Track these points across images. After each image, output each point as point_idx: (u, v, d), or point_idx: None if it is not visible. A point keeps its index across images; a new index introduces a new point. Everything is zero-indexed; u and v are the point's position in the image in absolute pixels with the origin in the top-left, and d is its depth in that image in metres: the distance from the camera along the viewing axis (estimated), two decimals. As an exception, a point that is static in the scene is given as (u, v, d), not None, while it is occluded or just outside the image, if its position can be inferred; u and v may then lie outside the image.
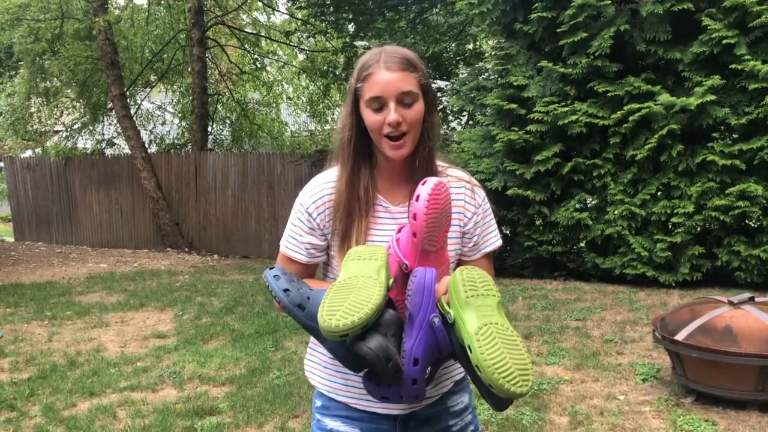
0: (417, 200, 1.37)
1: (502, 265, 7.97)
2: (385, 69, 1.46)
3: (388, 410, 1.56)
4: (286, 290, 1.39)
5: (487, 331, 1.26)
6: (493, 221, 1.66)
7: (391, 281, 1.36)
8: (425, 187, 1.37)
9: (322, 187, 1.58)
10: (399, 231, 1.47)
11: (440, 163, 1.60)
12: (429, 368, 1.37)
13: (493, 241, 1.65)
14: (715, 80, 6.48)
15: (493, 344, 1.24)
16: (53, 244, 13.63)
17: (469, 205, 1.60)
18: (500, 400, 1.34)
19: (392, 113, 1.45)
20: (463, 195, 1.59)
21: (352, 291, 1.29)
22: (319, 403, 1.65)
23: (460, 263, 1.63)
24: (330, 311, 1.25)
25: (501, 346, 1.24)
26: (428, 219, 1.36)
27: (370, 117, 1.48)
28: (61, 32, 13.01)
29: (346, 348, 1.33)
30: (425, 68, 1.53)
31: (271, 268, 1.46)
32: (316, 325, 1.33)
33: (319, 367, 1.65)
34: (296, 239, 1.59)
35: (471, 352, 1.25)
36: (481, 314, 1.29)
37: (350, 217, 1.53)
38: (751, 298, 3.89)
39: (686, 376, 3.86)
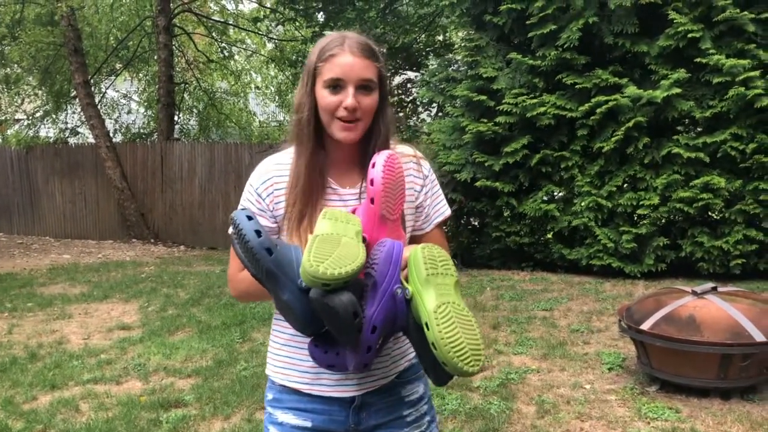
0: (373, 167, 1.41)
1: (470, 256, 8.01)
2: (349, 53, 1.44)
3: (341, 393, 1.54)
4: (257, 231, 1.36)
5: (444, 309, 1.28)
6: (441, 191, 1.67)
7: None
8: (380, 156, 1.42)
9: (273, 168, 1.56)
10: (353, 212, 1.47)
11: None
12: (381, 339, 1.39)
13: (443, 210, 1.66)
14: (681, 74, 6.57)
15: (450, 323, 1.27)
16: (14, 235, 13.30)
17: (417, 179, 1.60)
18: (443, 376, 1.37)
19: (350, 98, 1.43)
20: (411, 170, 1.58)
21: (338, 246, 1.30)
22: (270, 396, 1.63)
23: (413, 239, 1.63)
24: (318, 258, 1.26)
25: (457, 325, 1.27)
26: (386, 182, 1.39)
27: (325, 98, 1.46)
28: (21, 17, 12.67)
29: (305, 303, 1.33)
30: (384, 61, 1.53)
31: (242, 209, 1.43)
32: (280, 273, 1.34)
33: (273, 356, 1.63)
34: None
35: (428, 329, 1.27)
36: (440, 293, 1.31)
37: (306, 199, 1.50)
38: (714, 288, 3.96)
39: (651, 365, 3.91)
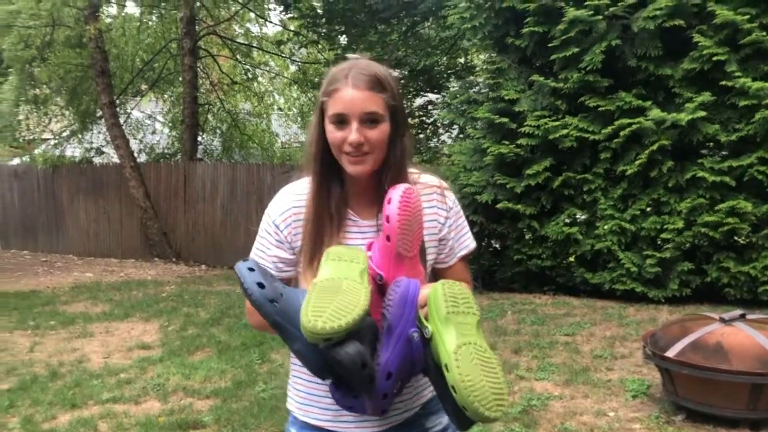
0: (389, 203, 1.36)
1: (491, 279, 7.94)
2: (351, 86, 1.40)
3: (364, 429, 1.51)
4: (259, 284, 1.33)
5: (466, 351, 1.23)
6: (465, 223, 1.62)
7: (370, 287, 1.32)
8: (396, 191, 1.37)
9: (291, 199, 1.53)
10: (369, 248, 1.43)
11: (411, 170, 1.55)
12: (399, 383, 1.34)
13: (468, 243, 1.61)
14: (706, 96, 6.50)
15: (471, 366, 1.21)
16: (38, 253, 13.48)
17: (442, 210, 1.55)
18: (465, 420, 1.30)
19: (354, 133, 1.39)
20: (435, 201, 1.54)
21: (338, 293, 1.24)
22: (293, 431, 1.60)
23: (435, 271, 1.59)
24: (316, 312, 1.20)
25: (478, 368, 1.21)
26: (401, 219, 1.34)
27: (332, 133, 1.43)
28: (51, 39, 12.91)
29: (317, 351, 1.28)
30: (396, 89, 1.47)
31: (245, 260, 1.40)
32: (287, 324, 1.30)
33: (295, 392, 1.61)
34: (264, 252, 1.54)
35: (448, 371, 1.22)
36: (461, 333, 1.25)
37: (320, 234, 1.47)
38: (743, 315, 3.87)
39: (677, 393, 3.82)
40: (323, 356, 1.28)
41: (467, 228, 1.62)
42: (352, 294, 1.25)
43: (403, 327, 1.28)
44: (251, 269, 1.36)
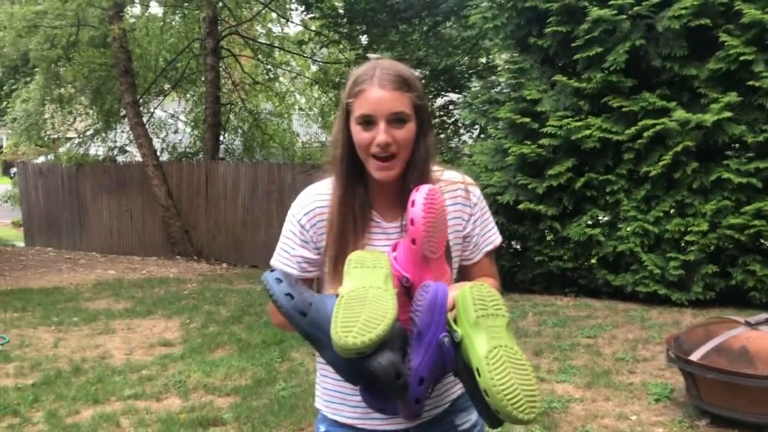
0: (413, 205, 1.35)
1: (512, 280, 7.89)
2: (378, 87, 1.40)
3: (393, 426, 1.50)
4: (288, 294, 1.33)
5: (497, 354, 1.23)
6: (491, 218, 1.61)
7: (396, 291, 1.32)
8: (420, 193, 1.35)
9: (314, 199, 1.53)
10: (394, 249, 1.42)
11: (434, 168, 1.54)
12: (432, 388, 1.35)
13: (493, 238, 1.60)
14: (732, 97, 6.41)
15: (503, 369, 1.21)
16: (62, 250, 13.65)
17: (466, 207, 1.55)
18: (497, 420, 1.30)
19: (382, 134, 1.39)
20: (459, 198, 1.54)
21: (365, 304, 1.24)
22: (322, 429, 1.61)
23: (461, 268, 1.59)
24: (345, 327, 1.21)
25: (510, 371, 1.22)
26: (426, 222, 1.33)
27: (358, 134, 1.42)
28: (76, 39, 13.08)
29: (349, 361, 1.27)
30: (420, 88, 1.47)
31: (272, 270, 1.40)
32: (318, 333, 1.30)
33: (323, 390, 1.61)
34: (288, 252, 1.54)
35: (480, 375, 1.22)
36: (491, 336, 1.25)
37: (344, 236, 1.47)
38: (768, 319, 3.81)
39: (701, 398, 3.77)
40: (356, 366, 1.27)
41: (492, 223, 1.61)
42: (379, 303, 1.25)
43: (434, 333, 1.28)
44: (279, 280, 1.36)
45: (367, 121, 1.41)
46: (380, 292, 1.27)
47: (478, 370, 1.22)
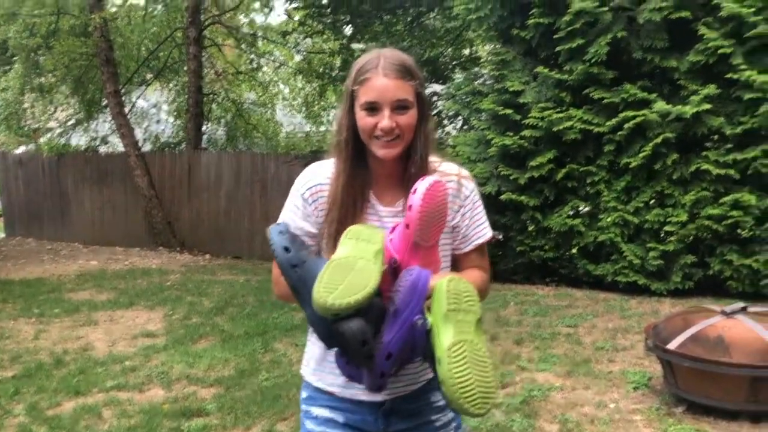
0: (414, 193, 1.41)
1: (494, 269, 7.92)
2: (383, 75, 1.48)
3: (372, 397, 1.59)
4: (285, 248, 1.41)
5: (459, 348, 1.28)
6: (484, 214, 1.68)
7: (384, 267, 1.39)
8: (424, 183, 1.42)
9: (318, 175, 1.62)
10: (392, 231, 1.49)
11: (432, 158, 1.61)
12: (397, 366, 1.41)
13: (484, 232, 1.67)
14: (711, 89, 6.48)
15: (463, 363, 1.26)
16: (44, 241, 13.53)
17: (456, 199, 1.62)
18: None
19: (386, 119, 1.47)
20: (451, 190, 1.60)
21: (351, 272, 1.31)
22: (305, 395, 1.71)
23: (453, 257, 1.65)
24: (327, 288, 1.28)
25: (470, 366, 1.27)
26: (423, 211, 1.39)
27: (363, 119, 1.50)
28: (56, 28, 12.93)
29: (325, 321, 1.35)
30: (422, 76, 1.55)
31: (278, 224, 1.48)
32: (304, 289, 1.37)
33: (310, 359, 1.70)
34: (291, 224, 1.61)
35: (440, 365, 1.28)
36: (459, 330, 1.30)
37: (341, 216, 1.54)
38: (744, 308, 3.88)
39: (678, 385, 3.84)
40: (329, 326, 1.35)
41: (484, 218, 1.67)
42: (364, 274, 1.31)
43: (409, 313, 1.33)
44: (282, 232, 1.45)
45: (372, 108, 1.49)
46: (368, 264, 1.33)
47: (439, 359, 1.28)
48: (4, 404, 4.25)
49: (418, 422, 1.64)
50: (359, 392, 1.58)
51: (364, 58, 1.54)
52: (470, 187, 1.64)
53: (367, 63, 1.51)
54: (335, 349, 1.45)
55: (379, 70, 1.48)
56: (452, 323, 1.31)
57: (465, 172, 1.65)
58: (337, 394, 1.62)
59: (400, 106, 1.48)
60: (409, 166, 1.55)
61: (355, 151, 1.56)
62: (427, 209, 1.40)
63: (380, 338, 1.35)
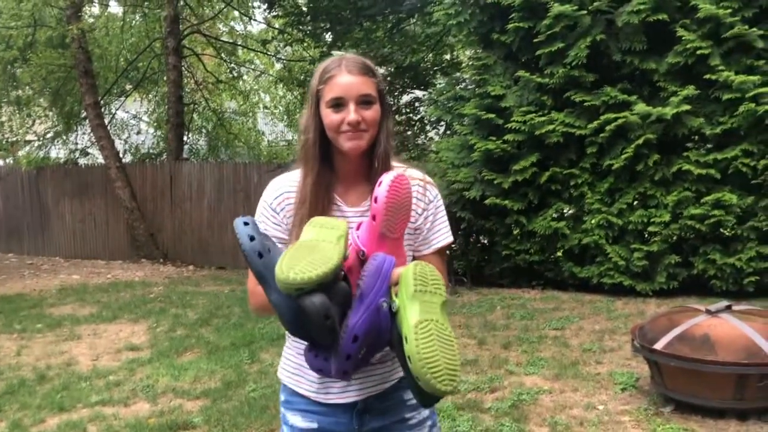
0: (380, 185, 1.46)
1: (480, 274, 7.96)
2: (346, 72, 1.55)
3: (344, 399, 1.63)
4: (250, 237, 1.45)
5: (426, 326, 1.31)
6: (446, 219, 1.73)
7: (347, 251, 1.44)
8: (388, 175, 1.47)
9: (284, 185, 1.67)
10: (358, 228, 1.54)
11: (396, 164, 1.66)
12: (364, 349, 1.42)
13: (444, 237, 1.71)
14: (690, 90, 6.55)
15: (429, 340, 1.30)
16: (24, 255, 13.35)
17: (420, 202, 1.66)
18: (426, 396, 1.40)
19: (352, 113, 1.53)
20: (416, 193, 1.64)
21: (313, 251, 1.36)
22: (282, 398, 1.75)
23: (413, 259, 1.69)
24: (290, 265, 1.32)
25: (436, 343, 1.30)
26: (388, 201, 1.44)
27: (329, 116, 1.56)
28: (33, 40, 12.79)
29: (289, 304, 1.39)
30: (381, 77, 1.63)
31: (243, 216, 1.52)
32: (268, 276, 1.41)
33: (286, 361, 1.73)
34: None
35: (407, 342, 1.31)
36: (425, 309, 1.34)
37: (312, 215, 1.58)
38: (728, 307, 3.91)
39: (665, 385, 3.85)
40: (294, 309, 1.38)
41: (446, 223, 1.72)
42: (326, 252, 1.36)
43: (374, 296, 1.37)
44: (246, 223, 1.48)
45: (338, 104, 1.55)
46: (330, 246, 1.38)
47: (406, 337, 1.32)
48: (-15, 423, 4.18)
49: (391, 420, 1.67)
50: (333, 396, 1.63)
51: (327, 61, 1.61)
52: (434, 193, 1.69)
53: (330, 63, 1.59)
54: (305, 347, 1.49)
55: (343, 68, 1.55)
56: (418, 303, 1.35)
57: (429, 179, 1.70)
58: (312, 399, 1.66)
59: (364, 101, 1.55)
60: (373, 161, 1.60)
61: (322, 151, 1.60)
62: (392, 200, 1.44)
63: (346, 320, 1.38)
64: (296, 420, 1.69)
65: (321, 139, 1.60)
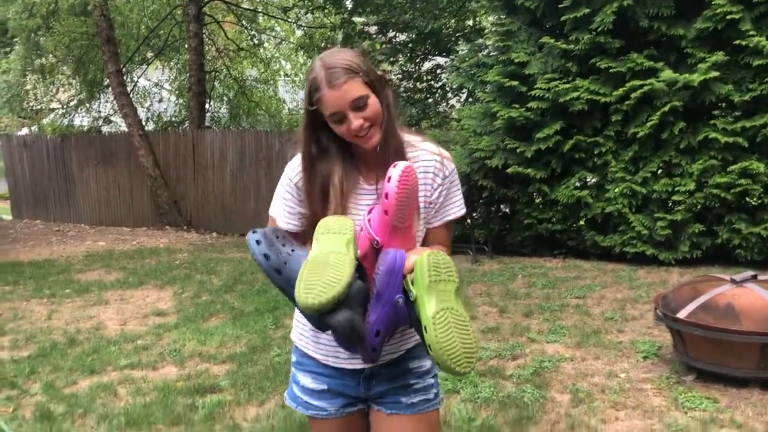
0: (389, 181, 1.52)
1: (501, 243, 7.96)
2: (329, 89, 1.55)
3: (353, 365, 1.72)
4: (265, 255, 1.54)
5: (443, 316, 1.43)
6: (459, 193, 1.77)
7: (358, 252, 1.52)
8: (396, 170, 1.52)
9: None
10: (370, 212, 1.62)
11: (413, 137, 1.72)
12: (388, 338, 1.56)
13: (456, 210, 1.76)
14: (719, 56, 6.41)
15: (447, 328, 1.42)
16: (51, 222, 13.58)
17: (437, 177, 1.70)
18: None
19: (353, 122, 1.57)
20: (432, 168, 1.69)
21: (326, 268, 1.43)
22: (294, 358, 1.85)
23: (426, 232, 1.77)
24: (306, 290, 1.40)
25: (453, 330, 1.42)
26: (399, 198, 1.52)
27: (337, 129, 1.61)
28: (56, 8, 12.83)
29: (315, 318, 1.49)
30: (365, 62, 1.61)
31: (254, 232, 1.59)
32: (290, 290, 1.49)
33: (299, 325, 1.82)
34: (288, 212, 1.73)
35: (426, 332, 1.43)
36: (441, 299, 1.46)
37: (328, 196, 1.65)
38: (754, 276, 3.88)
39: (688, 354, 3.86)
40: (322, 322, 1.48)
41: (460, 196, 1.77)
42: (338, 268, 1.43)
43: (390, 294, 1.48)
44: (258, 242, 1.56)
45: (338, 119, 1.58)
46: (340, 257, 1.46)
47: (425, 327, 1.43)
48: (20, 384, 4.30)
49: (397, 384, 1.75)
50: (341, 360, 1.72)
51: (309, 74, 1.61)
52: (450, 167, 1.72)
53: (312, 82, 1.58)
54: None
55: (324, 85, 1.55)
56: (434, 293, 1.45)
57: (445, 152, 1.73)
58: (321, 361, 1.75)
59: (358, 105, 1.56)
60: (385, 138, 1.63)
61: (326, 154, 1.66)
62: (402, 195, 1.51)
63: (367, 317, 1.50)
64: (306, 381, 1.79)
65: (318, 151, 1.66)
